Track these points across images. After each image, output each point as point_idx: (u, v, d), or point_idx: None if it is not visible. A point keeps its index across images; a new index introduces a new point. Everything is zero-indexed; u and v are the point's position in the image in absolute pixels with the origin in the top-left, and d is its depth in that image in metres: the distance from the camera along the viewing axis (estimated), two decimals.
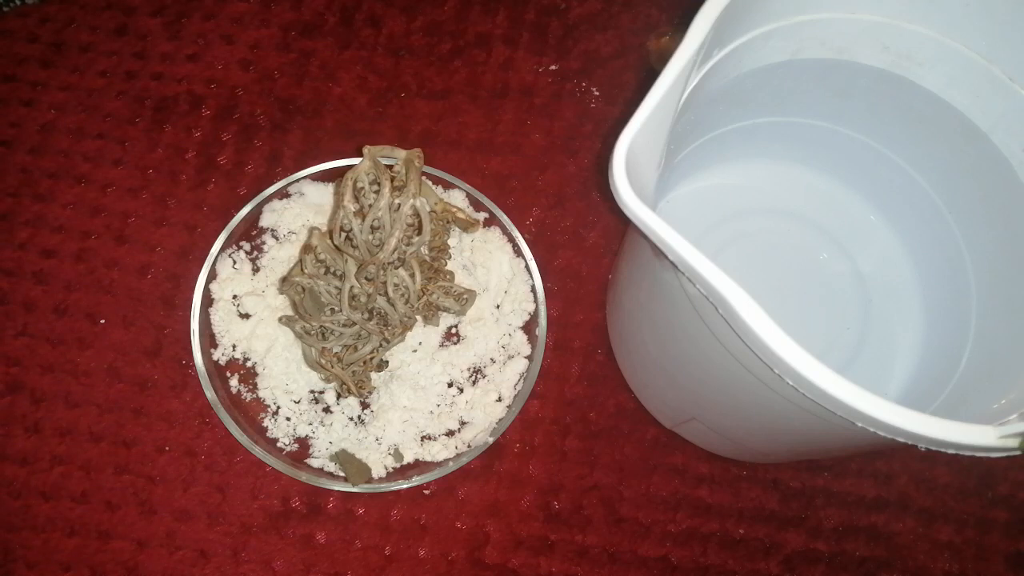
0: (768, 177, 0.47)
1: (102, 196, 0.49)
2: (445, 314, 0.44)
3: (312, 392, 0.44)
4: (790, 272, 0.46)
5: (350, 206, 0.38)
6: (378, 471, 0.42)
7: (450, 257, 0.44)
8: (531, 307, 0.45)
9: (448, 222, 0.43)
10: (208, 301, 0.44)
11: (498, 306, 0.45)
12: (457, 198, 0.46)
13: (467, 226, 0.44)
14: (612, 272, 0.48)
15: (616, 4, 0.54)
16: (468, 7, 0.54)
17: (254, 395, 0.44)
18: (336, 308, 0.40)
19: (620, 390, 0.46)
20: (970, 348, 0.39)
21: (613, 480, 0.45)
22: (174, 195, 0.49)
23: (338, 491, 0.44)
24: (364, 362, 0.42)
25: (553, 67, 0.53)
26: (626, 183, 0.26)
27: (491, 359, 0.45)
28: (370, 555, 0.44)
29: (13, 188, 0.49)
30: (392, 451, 0.43)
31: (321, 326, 0.40)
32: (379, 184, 0.39)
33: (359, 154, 0.40)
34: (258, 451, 0.41)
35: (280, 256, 0.45)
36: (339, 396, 0.44)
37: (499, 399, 0.44)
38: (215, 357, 0.44)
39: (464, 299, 0.43)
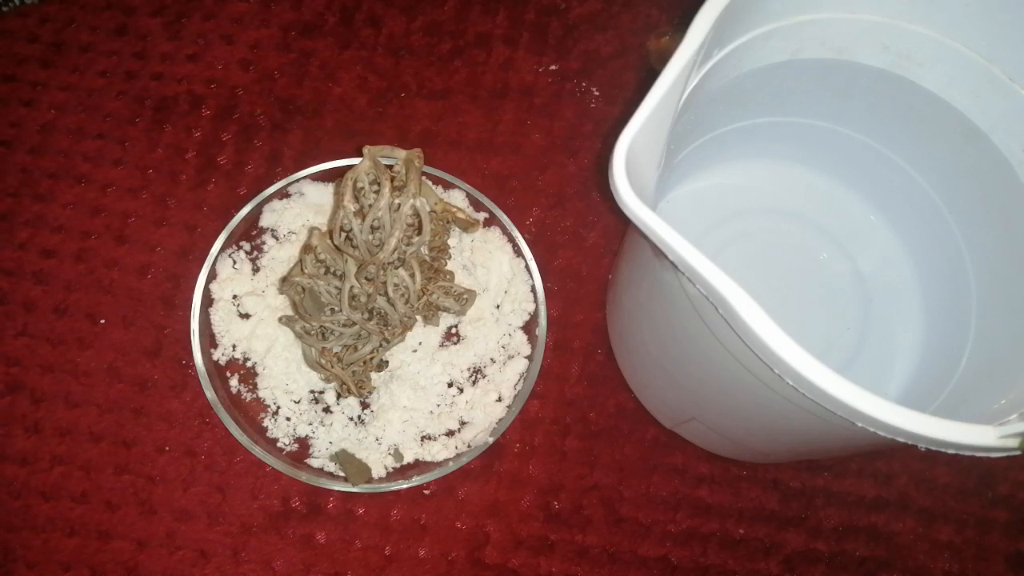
0: (768, 177, 0.47)
1: (102, 196, 0.49)
2: (445, 314, 0.44)
3: (312, 392, 0.44)
4: (790, 272, 0.46)
5: (350, 206, 0.38)
6: (378, 471, 0.42)
7: (450, 257, 0.44)
8: (531, 307, 0.45)
9: (448, 222, 0.43)
10: (208, 301, 0.44)
11: (498, 306, 0.45)
12: (457, 198, 0.46)
13: (467, 226, 0.44)
14: (612, 272, 0.48)
15: (616, 4, 0.54)
16: (468, 7, 0.54)
17: (254, 395, 0.44)
18: (336, 308, 0.40)
19: (620, 390, 0.46)
20: (970, 348, 0.39)
21: (613, 480, 0.45)
22: (174, 195, 0.49)
23: (338, 491, 0.44)
24: (364, 362, 0.42)
25: (553, 67, 0.53)
26: (626, 183, 0.26)
27: (491, 359, 0.45)
28: (370, 555, 0.44)
29: (13, 188, 0.49)
30: (392, 451, 0.43)
31: (321, 326, 0.40)
32: (379, 184, 0.39)
33: (359, 154, 0.40)
34: (258, 451, 0.41)
35: (280, 256, 0.45)
36: (339, 396, 0.44)
37: (499, 399, 0.44)
38: (215, 357, 0.44)
39: (464, 299, 0.43)
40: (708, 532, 0.44)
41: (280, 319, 0.42)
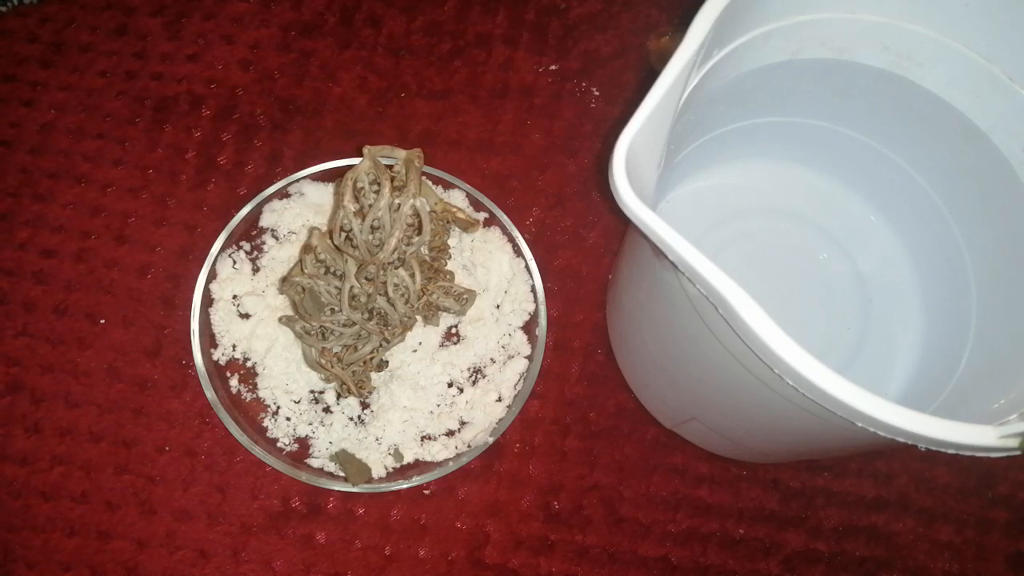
0: (768, 177, 0.47)
1: (102, 196, 0.49)
2: (445, 314, 0.44)
3: (312, 392, 0.44)
4: (790, 272, 0.46)
5: (350, 206, 0.38)
6: (378, 471, 0.42)
7: (450, 257, 0.44)
8: (531, 307, 0.45)
9: (448, 222, 0.43)
10: (208, 301, 0.44)
11: (498, 306, 0.45)
12: (457, 198, 0.46)
13: (467, 226, 0.44)
14: (612, 272, 0.48)
15: (616, 4, 0.54)
16: (468, 7, 0.54)
17: (254, 395, 0.44)
18: (336, 308, 0.40)
19: (620, 390, 0.46)
20: (970, 348, 0.39)
21: (613, 480, 0.45)
22: (174, 195, 0.49)
23: (338, 491, 0.44)
24: (364, 362, 0.42)
25: (553, 67, 0.53)
26: (626, 183, 0.26)
27: (491, 359, 0.45)
28: (370, 555, 0.44)
29: (13, 188, 0.49)
30: (392, 451, 0.43)
31: (321, 326, 0.40)
32: (379, 184, 0.39)
33: (359, 154, 0.40)
34: (258, 451, 0.41)
35: (280, 256, 0.45)
36: (339, 396, 0.44)
37: (499, 399, 0.44)
38: (215, 357, 0.44)
39: (464, 299, 0.43)
40: (708, 532, 0.44)
41: (280, 319, 0.42)
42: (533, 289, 0.45)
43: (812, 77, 0.39)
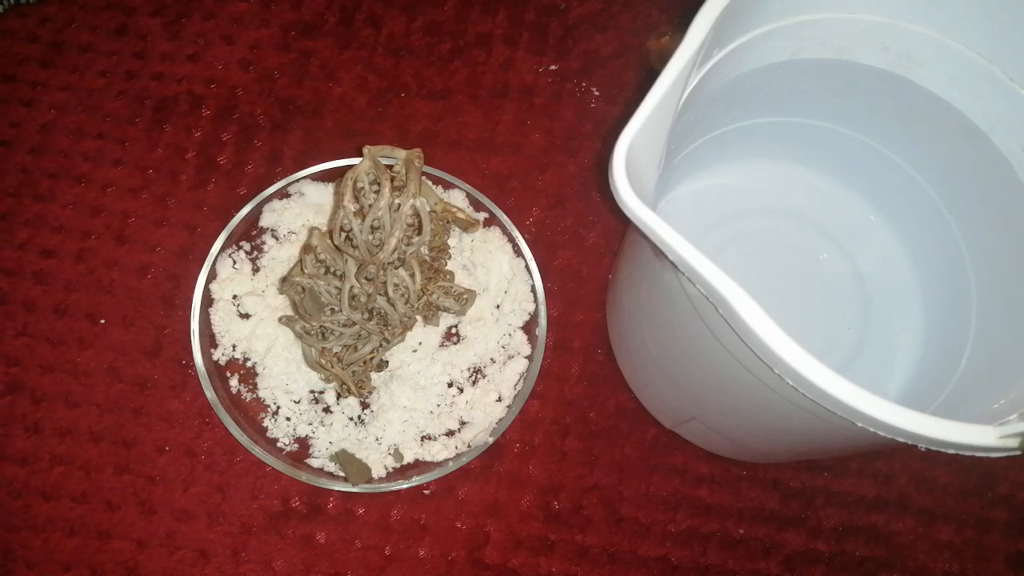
0: (768, 177, 0.47)
1: (102, 196, 0.49)
2: (445, 314, 0.44)
3: (312, 392, 0.44)
4: (790, 272, 0.46)
5: (350, 206, 0.38)
6: (378, 471, 0.42)
7: (450, 257, 0.44)
8: (531, 307, 0.45)
9: (448, 222, 0.43)
10: (208, 301, 0.44)
11: (498, 306, 0.45)
12: (457, 198, 0.46)
13: (467, 226, 0.44)
14: (612, 272, 0.48)
15: (616, 4, 0.54)
16: (468, 7, 0.54)
17: (254, 395, 0.44)
18: (336, 308, 0.40)
19: (620, 390, 0.46)
20: (970, 348, 0.39)
21: (613, 480, 0.45)
22: (174, 195, 0.49)
23: (338, 491, 0.44)
24: (364, 362, 0.42)
25: (553, 67, 0.53)
26: (626, 183, 0.26)
27: (491, 359, 0.45)
28: (370, 555, 0.44)
29: (13, 188, 0.49)
30: (392, 451, 0.43)
31: (321, 326, 0.40)
32: (379, 184, 0.39)
33: (359, 154, 0.40)
34: (258, 451, 0.41)
35: (280, 256, 0.45)
36: (339, 396, 0.44)
37: (499, 399, 0.44)
38: (215, 357, 0.44)
39: (464, 299, 0.43)
40: (708, 532, 0.44)
41: (280, 319, 0.42)
42: (533, 289, 0.45)
43: (812, 77, 0.39)
